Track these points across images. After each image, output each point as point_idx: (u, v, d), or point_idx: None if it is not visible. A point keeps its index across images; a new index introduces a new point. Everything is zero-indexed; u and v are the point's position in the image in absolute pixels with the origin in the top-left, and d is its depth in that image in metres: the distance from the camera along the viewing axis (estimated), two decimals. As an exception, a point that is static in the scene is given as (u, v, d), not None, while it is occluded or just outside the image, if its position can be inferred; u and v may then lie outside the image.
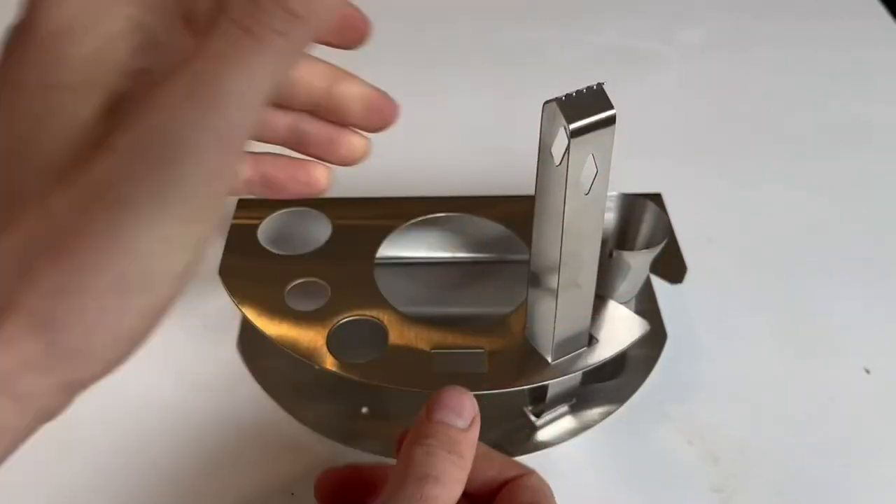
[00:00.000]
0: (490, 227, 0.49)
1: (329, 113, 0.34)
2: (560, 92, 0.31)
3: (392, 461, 0.43)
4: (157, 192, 0.21)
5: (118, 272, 0.21)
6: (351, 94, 0.33)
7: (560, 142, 0.32)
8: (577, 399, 0.45)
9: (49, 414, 0.23)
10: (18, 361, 0.21)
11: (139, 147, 0.21)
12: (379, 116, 0.34)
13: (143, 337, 0.23)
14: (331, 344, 0.41)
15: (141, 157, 0.21)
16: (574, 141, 0.31)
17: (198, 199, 0.22)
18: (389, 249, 0.47)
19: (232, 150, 0.22)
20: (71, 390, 0.23)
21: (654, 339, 0.49)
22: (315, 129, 0.34)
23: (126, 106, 0.23)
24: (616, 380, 0.47)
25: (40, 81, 0.23)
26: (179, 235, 0.22)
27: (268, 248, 0.47)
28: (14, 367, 0.21)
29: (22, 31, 0.23)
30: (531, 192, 0.36)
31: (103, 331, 0.22)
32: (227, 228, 0.49)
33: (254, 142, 0.30)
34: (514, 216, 0.49)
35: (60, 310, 0.21)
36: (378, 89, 0.33)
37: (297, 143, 0.33)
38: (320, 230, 0.48)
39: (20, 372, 0.21)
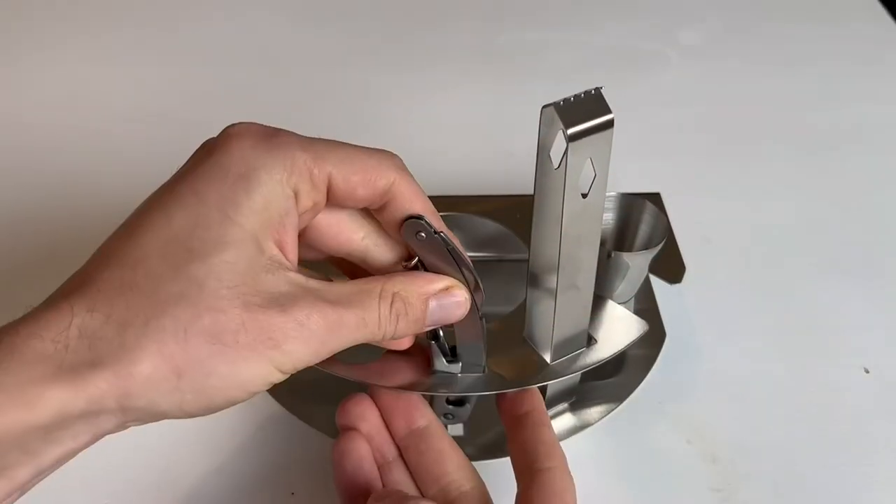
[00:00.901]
0: (489, 227, 0.49)
1: None
2: (560, 92, 0.31)
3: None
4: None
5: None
6: None
7: (558, 146, 0.32)
8: (577, 398, 0.46)
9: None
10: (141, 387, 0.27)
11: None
12: None
13: (216, 411, 0.29)
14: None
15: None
16: (572, 145, 0.31)
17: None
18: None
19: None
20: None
21: (653, 339, 0.49)
22: None
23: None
24: (615, 378, 0.47)
25: (221, 210, 0.28)
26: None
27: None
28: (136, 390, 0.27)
29: (213, 157, 0.29)
30: (530, 191, 0.36)
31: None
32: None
33: None
34: (514, 216, 0.50)
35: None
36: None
37: None
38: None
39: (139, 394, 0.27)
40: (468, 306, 0.34)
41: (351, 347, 0.41)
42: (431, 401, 0.42)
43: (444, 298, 0.33)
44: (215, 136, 0.31)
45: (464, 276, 0.35)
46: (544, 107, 0.32)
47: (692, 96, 0.73)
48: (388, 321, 0.32)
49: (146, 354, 0.26)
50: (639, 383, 0.47)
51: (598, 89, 0.32)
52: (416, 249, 0.34)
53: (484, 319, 0.37)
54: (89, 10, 0.84)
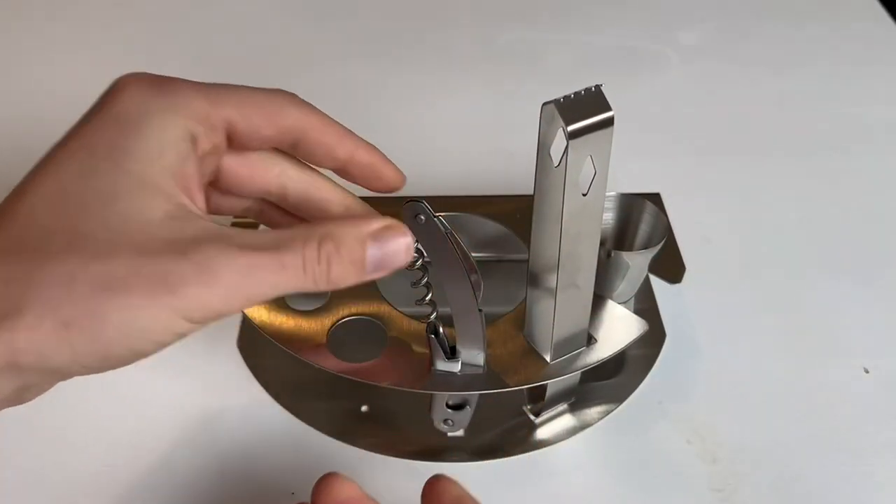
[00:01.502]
0: (489, 227, 0.49)
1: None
2: (560, 92, 0.31)
3: (394, 461, 0.43)
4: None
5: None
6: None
7: (558, 143, 0.32)
8: (576, 398, 0.46)
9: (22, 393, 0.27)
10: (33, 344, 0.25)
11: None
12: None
13: (123, 363, 0.28)
14: (331, 343, 0.42)
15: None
16: (572, 142, 0.31)
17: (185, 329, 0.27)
18: (389, 249, 0.48)
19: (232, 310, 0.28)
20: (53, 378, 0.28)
21: (653, 339, 0.49)
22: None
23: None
24: (615, 379, 0.47)
25: (112, 160, 0.27)
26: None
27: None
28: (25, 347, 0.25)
29: (105, 108, 0.29)
30: (531, 191, 0.36)
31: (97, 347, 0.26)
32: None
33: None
34: (514, 216, 0.50)
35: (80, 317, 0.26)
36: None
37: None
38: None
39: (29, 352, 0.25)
40: (412, 251, 0.30)
41: (351, 347, 0.42)
42: (431, 405, 0.42)
43: (385, 240, 0.29)
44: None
45: (462, 263, 0.35)
46: (545, 104, 0.32)
47: (692, 96, 0.73)
48: (315, 264, 0.28)
49: (30, 306, 0.25)
50: (639, 383, 0.47)
51: (598, 86, 0.32)
52: (415, 233, 0.34)
53: (484, 317, 0.37)
54: (88, 7, 0.84)
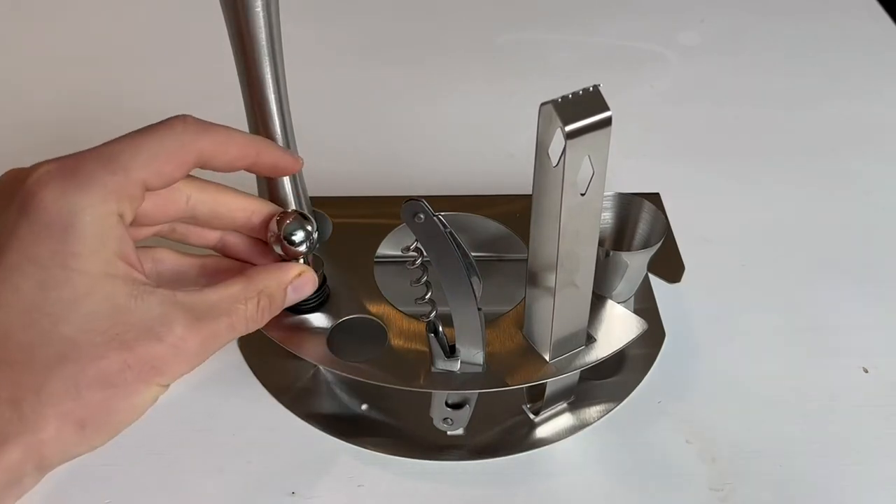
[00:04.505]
0: (489, 226, 0.50)
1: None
2: (560, 92, 0.32)
3: (393, 460, 0.43)
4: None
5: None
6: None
7: (557, 143, 0.32)
8: (576, 397, 0.46)
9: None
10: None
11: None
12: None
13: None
14: (331, 342, 0.42)
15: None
16: (570, 142, 0.31)
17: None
18: (389, 248, 0.48)
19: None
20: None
21: (653, 338, 0.49)
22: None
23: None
24: (614, 378, 0.47)
25: (63, 267, 0.29)
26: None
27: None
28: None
29: (29, 216, 0.29)
30: (530, 191, 0.36)
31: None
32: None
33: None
34: (513, 215, 0.50)
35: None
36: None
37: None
38: (321, 228, 0.49)
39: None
40: (316, 282, 0.38)
41: (351, 347, 0.42)
42: (431, 404, 0.42)
43: (299, 284, 0.37)
44: (15, 174, 0.31)
45: (461, 262, 0.35)
46: (543, 104, 0.32)
47: (691, 96, 0.73)
48: (255, 318, 0.34)
49: (48, 421, 0.28)
50: (638, 383, 0.47)
51: (596, 87, 0.32)
52: (414, 232, 0.34)
53: (483, 316, 0.37)
54: (87, 5, 0.84)
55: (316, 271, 0.38)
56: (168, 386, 0.31)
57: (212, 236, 0.38)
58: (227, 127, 0.34)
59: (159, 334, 0.30)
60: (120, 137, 0.32)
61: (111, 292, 0.30)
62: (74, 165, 0.30)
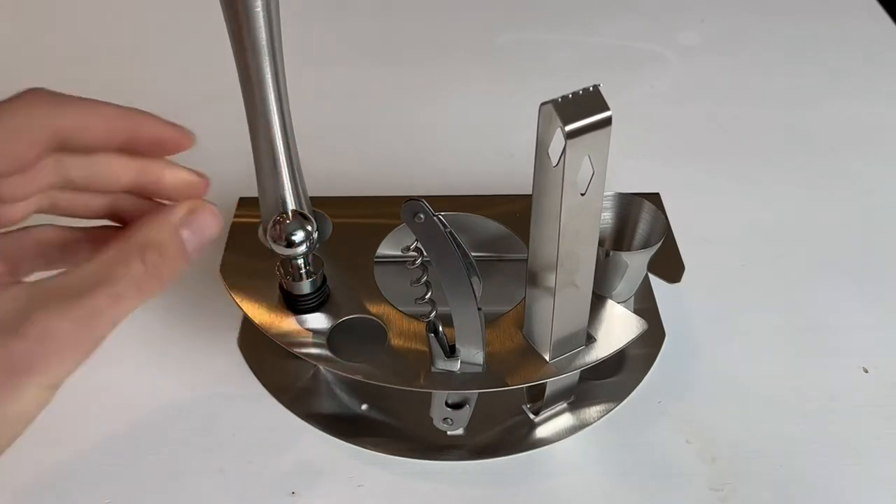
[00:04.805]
0: (489, 226, 0.50)
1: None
2: (560, 92, 0.32)
3: (393, 460, 0.43)
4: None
5: None
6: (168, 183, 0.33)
7: (557, 143, 0.32)
8: (575, 397, 0.46)
9: None
10: None
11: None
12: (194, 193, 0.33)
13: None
14: (331, 342, 0.42)
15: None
16: (570, 142, 0.31)
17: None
18: (389, 248, 0.48)
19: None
20: None
21: (653, 338, 0.49)
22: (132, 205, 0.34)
23: None
24: (614, 378, 0.47)
25: None
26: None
27: (268, 246, 0.48)
28: None
29: None
30: (530, 191, 0.36)
31: None
32: (228, 227, 0.49)
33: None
34: (513, 215, 0.50)
35: None
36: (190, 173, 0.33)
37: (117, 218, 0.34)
38: (321, 228, 0.49)
39: None
40: (220, 219, 0.31)
41: (351, 347, 0.42)
42: (431, 404, 0.42)
43: (194, 221, 0.30)
44: None
45: (461, 261, 0.35)
46: (543, 104, 0.32)
47: (691, 96, 0.73)
48: (147, 278, 0.28)
49: None
50: (638, 383, 0.47)
51: (596, 86, 0.32)
52: (414, 232, 0.34)
53: (483, 316, 0.37)
54: (87, 5, 0.84)
55: (316, 272, 0.37)
56: (57, 385, 0.27)
57: (99, 203, 0.33)
58: (93, 100, 0.30)
59: (15, 329, 0.25)
60: None
61: None
62: None
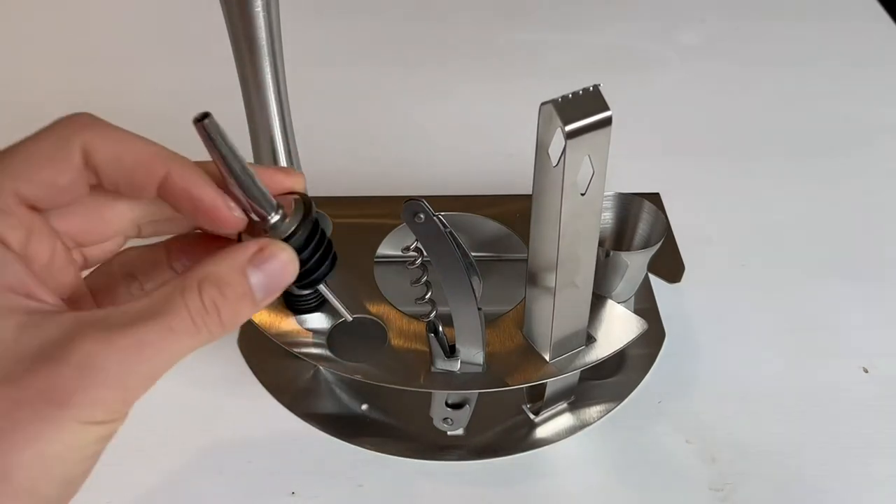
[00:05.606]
0: (489, 226, 0.50)
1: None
2: (560, 92, 0.32)
3: (393, 460, 0.43)
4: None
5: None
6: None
7: (557, 143, 0.32)
8: (576, 397, 0.46)
9: None
10: None
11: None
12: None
13: (66, 497, 0.25)
14: (331, 343, 0.42)
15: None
16: (570, 142, 0.31)
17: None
18: (389, 248, 0.48)
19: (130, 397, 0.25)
20: None
21: (653, 338, 0.49)
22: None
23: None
24: (614, 378, 0.47)
25: None
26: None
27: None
28: None
29: None
30: (530, 191, 0.36)
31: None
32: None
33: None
34: (513, 215, 0.50)
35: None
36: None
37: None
38: (321, 229, 0.49)
39: None
40: (296, 265, 0.28)
41: (351, 347, 0.42)
42: (431, 404, 0.42)
43: (265, 262, 0.27)
44: None
45: (461, 261, 0.35)
46: (543, 104, 0.32)
47: (692, 96, 0.73)
48: (205, 316, 0.25)
49: None
50: (638, 383, 0.47)
51: (596, 86, 0.32)
52: (414, 232, 0.34)
53: (483, 316, 0.37)
54: (87, 5, 0.84)
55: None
56: (107, 425, 0.24)
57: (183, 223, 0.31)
58: (137, 135, 0.27)
59: (56, 355, 0.23)
60: None
61: None
62: None
